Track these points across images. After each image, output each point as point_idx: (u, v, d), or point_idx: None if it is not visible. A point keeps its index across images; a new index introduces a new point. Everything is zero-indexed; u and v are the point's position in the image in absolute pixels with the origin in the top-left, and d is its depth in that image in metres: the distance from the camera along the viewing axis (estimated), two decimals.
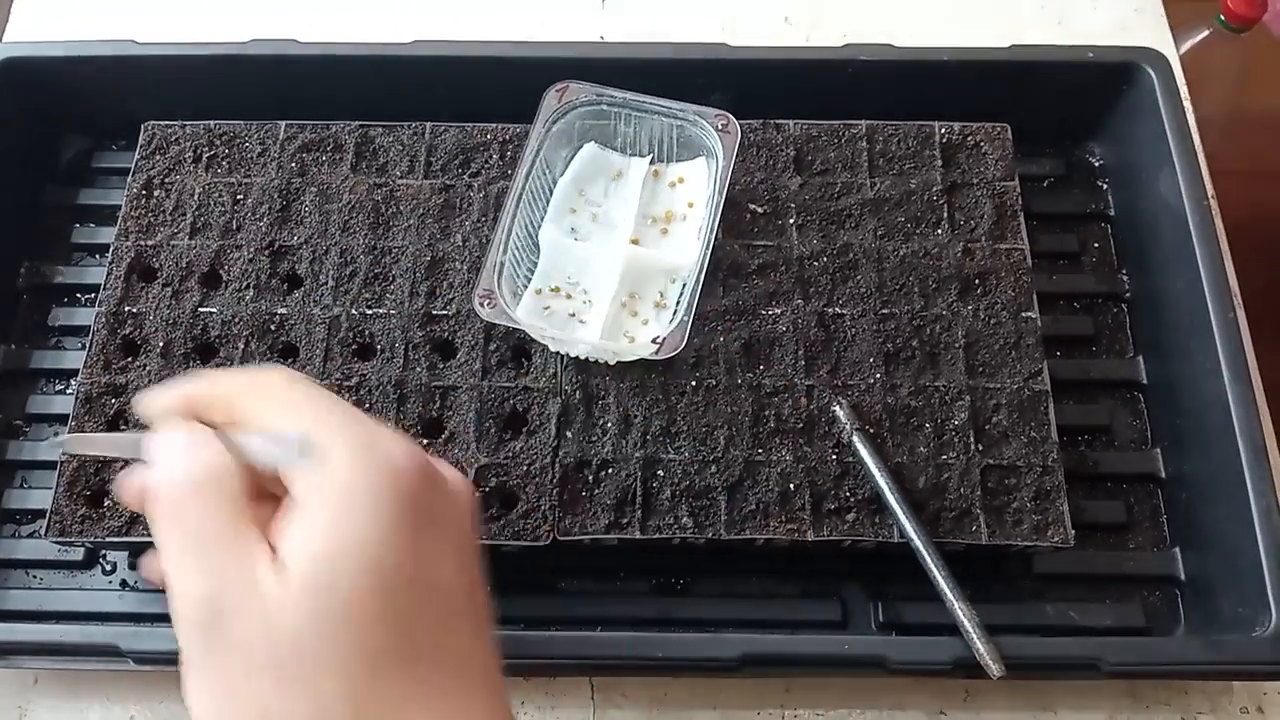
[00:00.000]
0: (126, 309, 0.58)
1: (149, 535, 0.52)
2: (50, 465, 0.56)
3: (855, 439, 0.54)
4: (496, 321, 0.54)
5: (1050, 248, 0.65)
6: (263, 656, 0.30)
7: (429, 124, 0.63)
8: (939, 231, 0.60)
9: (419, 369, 0.56)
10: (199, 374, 0.35)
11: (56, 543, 0.56)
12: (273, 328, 0.58)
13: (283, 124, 0.63)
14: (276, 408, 0.33)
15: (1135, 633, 0.55)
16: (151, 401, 0.35)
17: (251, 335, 0.57)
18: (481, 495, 0.54)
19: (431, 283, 0.59)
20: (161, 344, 0.57)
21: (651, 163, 0.61)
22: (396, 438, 0.33)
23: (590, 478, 0.54)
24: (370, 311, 0.58)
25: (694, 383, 0.56)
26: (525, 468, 0.54)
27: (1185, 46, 0.99)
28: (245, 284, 0.59)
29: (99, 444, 0.43)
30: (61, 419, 0.60)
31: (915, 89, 0.65)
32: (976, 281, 0.59)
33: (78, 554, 0.58)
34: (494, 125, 0.63)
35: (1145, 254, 0.63)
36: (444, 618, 0.32)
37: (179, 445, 0.33)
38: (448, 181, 0.61)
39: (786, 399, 0.55)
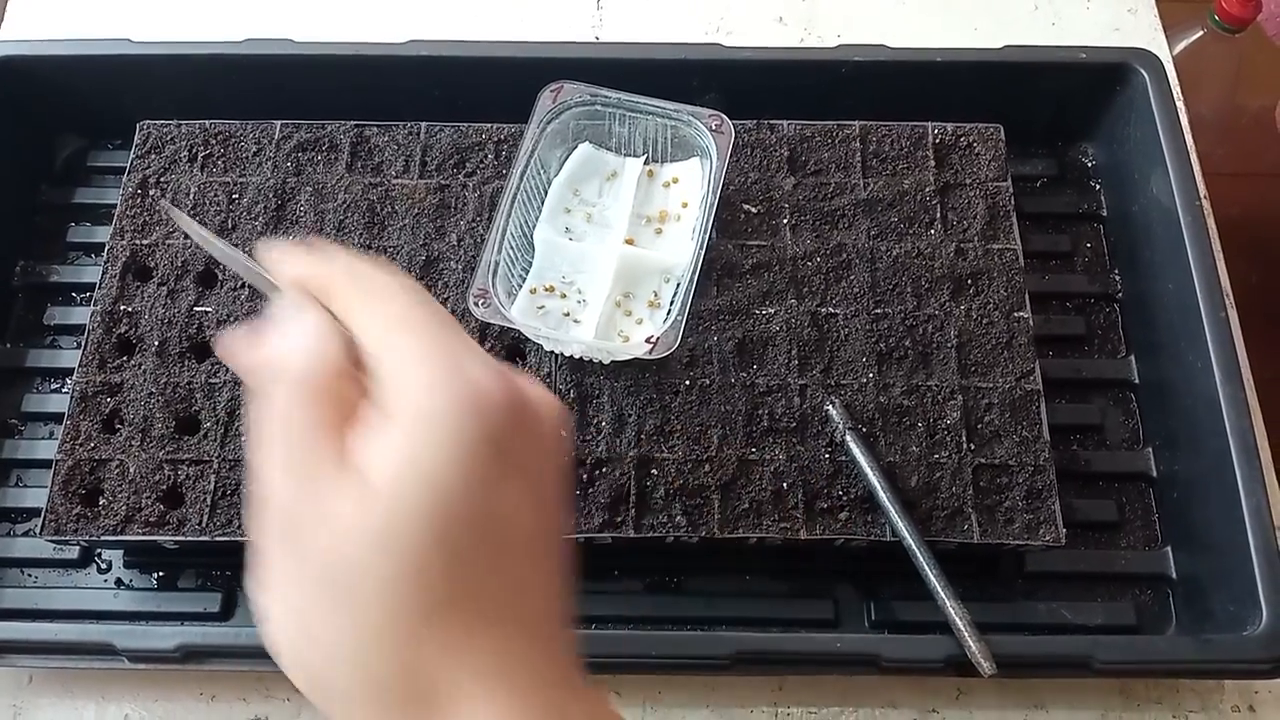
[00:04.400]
0: (122, 308, 0.58)
1: (143, 535, 0.53)
2: (45, 464, 0.56)
3: (848, 438, 0.54)
4: (491, 321, 0.54)
5: (1043, 248, 0.65)
6: (320, 574, 0.29)
7: (424, 124, 0.63)
8: (932, 232, 0.60)
9: None
10: (317, 247, 0.33)
11: (51, 541, 0.56)
12: None
13: (278, 123, 0.63)
14: (371, 307, 0.31)
15: (1126, 631, 0.56)
16: (285, 265, 0.33)
17: None
18: None
19: (427, 282, 0.59)
20: (157, 343, 0.57)
21: (646, 163, 0.61)
22: (486, 364, 0.31)
23: (584, 476, 0.54)
24: None
25: (688, 382, 0.56)
26: None
27: (1179, 47, 1.00)
28: (240, 283, 0.59)
29: (226, 255, 0.37)
30: (57, 418, 0.60)
31: (908, 89, 0.65)
32: (969, 281, 0.59)
33: (73, 553, 0.58)
34: (489, 125, 0.63)
35: (1137, 254, 0.63)
36: (511, 568, 0.30)
37: (317, 334, 0.31)
38: (443, 181, 0.61)
39: (780, 398, 0.56)
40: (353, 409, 0.31)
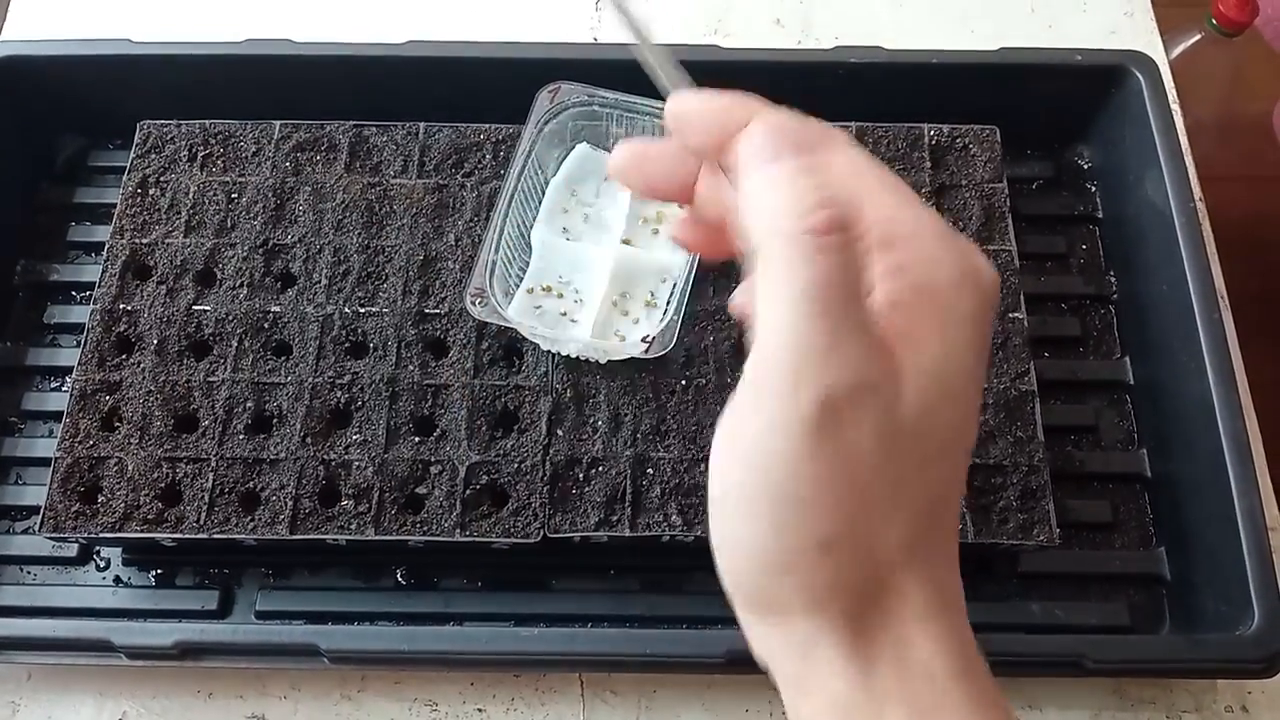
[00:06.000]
0: (121, 307, 0.59)
1: (141, 532, 0.53)
2: (45, 462, 0.57)
3: None
4: (488, 320, 0.54)
5: (1039, 249, 0.65)
6: (884, 461, 0.27)
7: (422, 124, 0.63)
8: None
9: (411, 367, 0.57)
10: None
11: (50, 539, 0.56)
12: (266, 325, 0.58)
13: (277, 123, 0.63)
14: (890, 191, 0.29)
15: (1120, 631, 0.56)
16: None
17: (245, 333, 0.58)
18: (473, 493, 0.54)
19: (424, 281, 0.59)
20: (156, 341, 0.57)
21: None
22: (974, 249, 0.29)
23: (580, 476, 0.54)
24: (363, 310, 0.58)
25: (684, 382, 0.56)
26: (516, 466, 0.55)
27: (1177, 51, 1.00)
28: (239, 282, 0.59)
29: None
30: (56, 416, 0.60)
31: (905, 91, 0.65)
32: None
33: (71, 550, 0.58)
34: (487, 125, 0.63)
35: (1132, 256, 0.64)
36: (960, 472, 0.29)
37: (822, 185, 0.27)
38: (441, 181, 0.62)
39: None
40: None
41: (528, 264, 0.58)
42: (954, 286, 0.28)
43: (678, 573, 0.57)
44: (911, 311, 0.28)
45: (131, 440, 0.55)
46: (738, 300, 0.33)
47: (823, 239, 0.26)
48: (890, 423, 0.27)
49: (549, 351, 0.57)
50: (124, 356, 0.58)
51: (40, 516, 0.54)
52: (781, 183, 0.27)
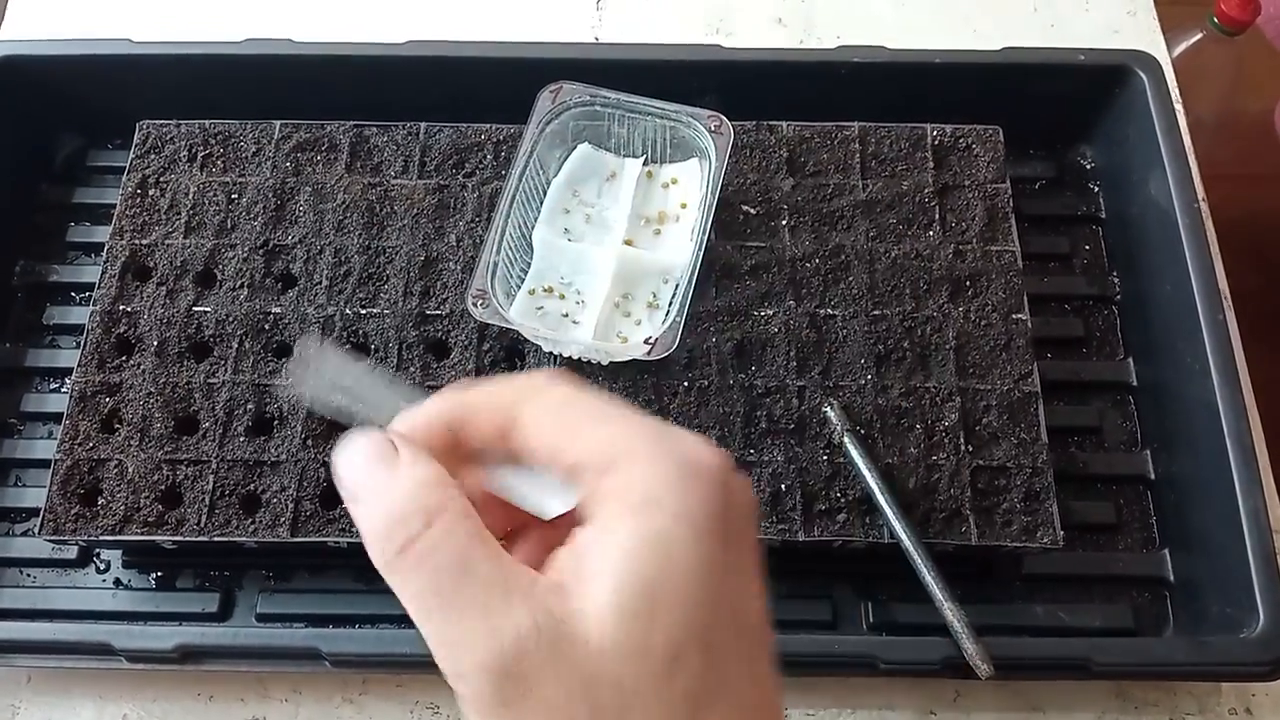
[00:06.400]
0: (121, 308, 0.58)
1: (141, 535, 0.53)
2: (44, 464, 0.56)
3: (846, 440, 0.54)
4: (490, 321, 0.54)
5: (1042, 249, 0.65)
6: (583, 711, 0.26)
7: (423, 124, 0.63)
8: (930, 233, 0.60)
9: (413, 369, 0.57)
10: (471, 386, 0.31)
11: (50, 541, 0.56)
12: (267, 327, 0.58)
13: (278, 124, 0.63)
14: (556, 428, 0.29)
15: (1124, 633, 0.56)
16: (412, 418, 0.31)
17: (245, 334, 0.57)
18: None
19: (425, 282, 0.59)
20: (155, 343, 0.57)
21: (645, 164, 0.61)
22: (695, 439, 0.29)
23: None
24: (364, 311, 0.58)
25: (686, 383, 0.56)
26: None
27: (1178, 49, 1.00)
28: (239, 283, 0.59)
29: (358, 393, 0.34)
30: (55, 418, 0.60)
31: (908, 91, 0.65)
32: (967, 283, 0.59)
33: (71, 552, 0.58)
34: (488, 126, 0.63)
35: (1136, 256, 0.63)
36: (750, 649, 0.28)
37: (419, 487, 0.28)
38: (442, 182, 0.61)
39: (778, 400, 0.56)
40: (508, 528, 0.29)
41: (529, 265, 0.58)
42: (670, 490, 0.27)
43: None
44: (614, 532, 0.27)
45: (131, 442, 0.55)
46: None
47: (410, 553, 0.27)
48: (578, 659, 0.26)
49: (551, 353, 0.56)
50: (124, 358, 0.57)
51: (40, 519, 0.54)
52: (360, 518, 0.29)
